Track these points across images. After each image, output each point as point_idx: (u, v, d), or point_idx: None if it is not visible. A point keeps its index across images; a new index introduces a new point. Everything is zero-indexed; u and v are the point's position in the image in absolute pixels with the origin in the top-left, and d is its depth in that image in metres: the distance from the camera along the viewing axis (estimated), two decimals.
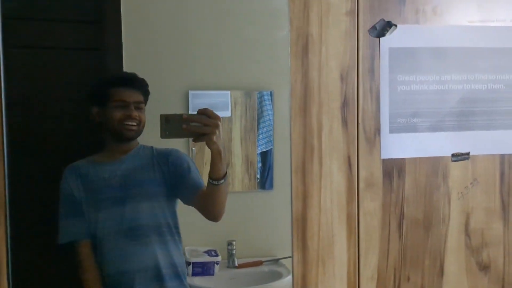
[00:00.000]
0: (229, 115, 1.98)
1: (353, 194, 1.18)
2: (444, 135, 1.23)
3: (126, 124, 1.65)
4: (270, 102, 2.01)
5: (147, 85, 1.70)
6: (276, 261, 2.00)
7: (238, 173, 2.02)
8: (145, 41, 1.87)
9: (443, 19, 1.22)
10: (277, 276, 1.93)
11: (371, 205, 1.19)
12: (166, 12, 1.88)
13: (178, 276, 1.68)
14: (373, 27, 1.18)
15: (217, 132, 1.41)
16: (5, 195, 1.03)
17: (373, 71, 1.18)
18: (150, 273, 1.64)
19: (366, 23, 1.17)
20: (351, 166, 1.17)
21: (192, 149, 1.90)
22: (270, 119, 2.02)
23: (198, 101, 1.92)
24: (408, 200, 1.21)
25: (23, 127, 1.74)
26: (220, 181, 1.49)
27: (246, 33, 1.94)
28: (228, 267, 1.96)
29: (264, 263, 1.99)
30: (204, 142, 1.43)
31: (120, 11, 1.80)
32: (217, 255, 1.93)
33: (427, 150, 1.22)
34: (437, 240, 1.23)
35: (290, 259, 1.17)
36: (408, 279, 1.22)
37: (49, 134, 1.81)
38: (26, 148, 1.73)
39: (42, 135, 1.81)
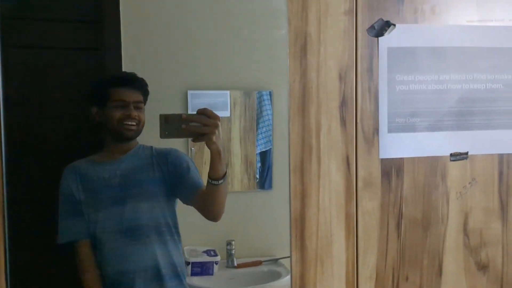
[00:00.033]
0: (229, 115, 1.98)
1: (352, 193, 1.18)
2: (443, 134, 1.23)
3: (126, 124, 1.65)
4: (270, 102, 2.01)
5: (146, 85, 1.70)
6: (275, 261, 2.00)
7: (237, 173, 2.02)
8: (144, 41, 1.87)
9: (442, 18, 1.22)
10: (276, 276, 1.93)
11: (370, 205, 1.19)
12: (166, 12, 1.89)
13: (177, 276, 1.68)
14: (372, 27, 1.17)
15: (216, 132, 1.41)
16: (3, 195, 1.02)
17: (371, 71, 1.18)
18: (149, 272, 1.64)
19: (364, 23, 1.17)
20: (349, 166, 1.17)
21: (191, 149, 1.90)
22: (269, 119, 2.02)
23: (197, 101, 1.92)
24: (407, 200, 1.21)
25: (22, 127, 1.74)
26: (220, 181, 1.49)
27: (245, 33, 1.95)
28: (227, 267, 1.96)
29: (263, 263, 1.99)
30: (204, 142, 1.43)
31: (119, 11, 1.80)
32: (216, 255, 1.93)
33: (425, 149, 1.22)
34: (436, 239, 1.23)
35: (289, 258, 1.17)
36: (407, 278, 1.22)
37: (48, 134, 1.82)
38: (26, 148, 1.74)
39: (41, 135, 1.81)
